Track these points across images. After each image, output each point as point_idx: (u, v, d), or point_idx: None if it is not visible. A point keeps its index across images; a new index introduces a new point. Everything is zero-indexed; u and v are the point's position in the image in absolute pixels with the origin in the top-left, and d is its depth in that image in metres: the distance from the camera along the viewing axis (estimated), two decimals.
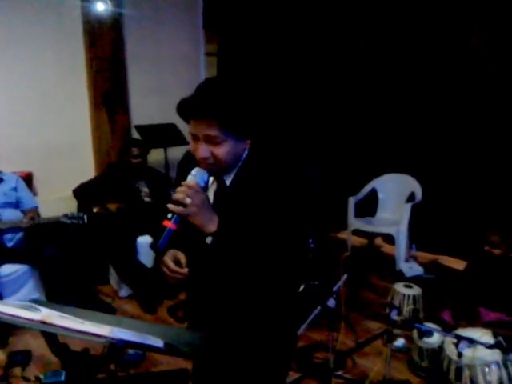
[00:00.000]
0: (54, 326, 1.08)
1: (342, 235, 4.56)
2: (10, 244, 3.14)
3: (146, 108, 4.41)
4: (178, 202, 1.23)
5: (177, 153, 4.21)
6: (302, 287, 2.63)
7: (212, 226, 1.27)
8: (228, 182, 1.38)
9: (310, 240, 2.80)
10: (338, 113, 4.62)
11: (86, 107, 4.17)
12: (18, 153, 3.65)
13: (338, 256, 2.96)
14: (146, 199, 3.66)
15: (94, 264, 3.64)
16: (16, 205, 3.24)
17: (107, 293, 3.64)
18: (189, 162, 1.40)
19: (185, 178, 1.33)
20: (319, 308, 2.39)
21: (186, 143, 4.14)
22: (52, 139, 4.01)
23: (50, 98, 3.97)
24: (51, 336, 1.20)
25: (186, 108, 1.30)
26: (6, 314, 1.14)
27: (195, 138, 1.30)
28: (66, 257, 3.17)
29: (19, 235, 3.18)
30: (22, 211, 3.25)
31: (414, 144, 4.17)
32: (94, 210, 3.42)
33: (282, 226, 1.33)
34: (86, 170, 4.15)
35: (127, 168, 3.62)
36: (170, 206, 1.23)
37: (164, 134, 4.12)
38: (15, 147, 3.50)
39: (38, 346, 2.86)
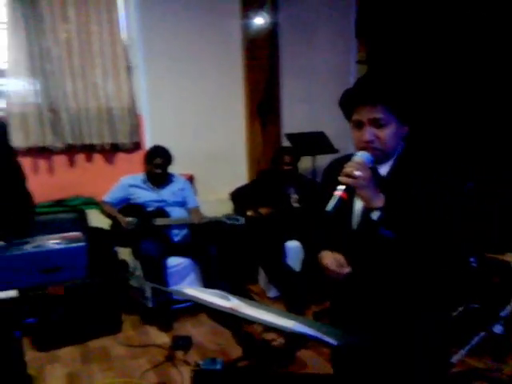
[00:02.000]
0: (243, 313, 1.19)
1: (508, 257, 4.14)
2: (176, 239, 3.51)
3: (296, 116, 4.55)
4: (348, 175, 1.35)
5: (324, 161, 4.27)
6: (460, 309, 2.49)
7: (379, 201, 1.36)
8: (383, 171, 1.48)
9: (472, 259, 2.63)
10: (499, 120, 4.23)
11: (241, 117, 4.46)
12: (183, 157, 3.95)
13: (505, 279, 2.71)
14: (295, 205, 3.77)
15: (245, 263, 3.87)
16: (182, 204, 3.60)
17: (256, 292, 3.84)
18: (334, 170, 1.50)
19: (329, 185, 1.45)
20: (483, 333, 2.23)
21: (334, 151, 4.18)
22: (211, 145, 4.36)
23: (211, 108, 4.33)
24: (237, 325, 1.32)
25: (352, 95, 1.45)
26: (202, 300, 1.30)
27: (359, 124, 1.44)
28: (223, 254, 3.44)
29: (184, 231, 3.53)
30: (187, 210, 3.61)
31: None
32: (248, 214, 3.63)
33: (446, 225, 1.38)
34: (239, 174, 4.44)
35: (279, 174, 3.77)
36: (340, 178, 1.36)
37: (313, 142, 4.22)
38: (181, 152, 3.81)
39: (198, 334, 3.14)
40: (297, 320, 1.16)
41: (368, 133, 1.41)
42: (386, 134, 1.42)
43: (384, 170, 1.49)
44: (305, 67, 4.61)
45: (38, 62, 3.63)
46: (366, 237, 1.46)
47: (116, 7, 3.90)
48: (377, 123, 1.41)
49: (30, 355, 2.81)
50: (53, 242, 1.05)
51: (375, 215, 1.36)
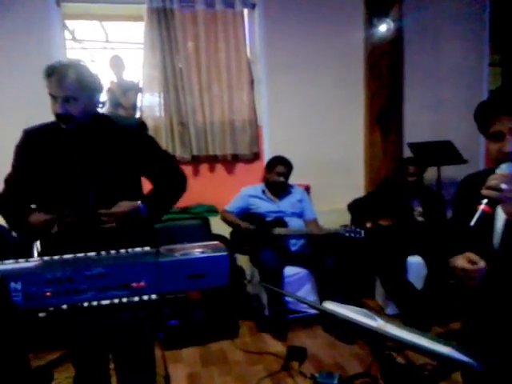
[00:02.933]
0: (393, 334, 1.14)
1: None
2: (293, 248, 3.52)
3: (420, 125, 4.34)
4: (492, 188, 1.28)
5: (450, 172, 4.01)
6: None
7: None
8: None
9: None
10: None
11: (360, 126, 4.37)
12: (300, 167, 3.89)
13: None
14: (419, 218, 3.58)
15: (362, 277, 3.75)
16: (300, 215, 3.61)
17: (372, 307, 3.70)
18: (473, 184, 1.44)
19: (466, 200, 1.41)
20: None
21: (463, 162, 3.89)
22: (328, 155, 4.33)
23: (329, 117, 4.31)
24: (378, 345, 1.28)
25: (491, 106, 1.40)
26: (343, 315, 1.27)
27: (499, 136, 1.36)
28: (340, 266, 3.37)
29: (302, 241, 3.53)
30: (304, 221, 3.61)
31: None
32: (367, 225, 3.52)
33: None
34: (356, 185, 4.34)
35: (401, 186, 3.61)
36: (484, 191, 1.29)
37: (438, 152, 3.97)
38: (298, 162, 3.78)
39: (313, 346, 3.10)
40: (447, 345, 1.08)
41: (511, 144, 1.33)
42: None
43: None
44: (431, 72, 4.39)
45: (170, 78, 3.93)
46: None
47: (242, 25, 4.09)
48: None
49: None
50: (198, 250, 1.11)
51: None
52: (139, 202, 1.81)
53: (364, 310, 1.28)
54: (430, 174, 3.97)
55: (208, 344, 3.21)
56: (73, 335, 1.64)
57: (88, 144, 1.79)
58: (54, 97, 1.69)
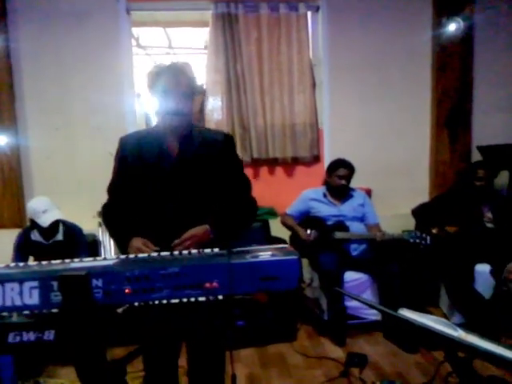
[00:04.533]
0: (471, 344, 1.10)
1: None
2: (354, 253, 3.45)
3: (491, 127, 4.13)
4: None
5: None
6: None
7: None
8: None
9: None
10: None
11: (427, 128, 4.22)
12: (362, 171, 3.78)
13: None
14: (489, 225, 3.40)
15: (426, 284, 3.62)
16: (361, 219, 3.54)
17: (437, 316, 3.56)
18: None
19: None
20: None
21: None
22: (391, 158, 4.21)
23: (393, 120, 4.19)
24: (454, 354, 1.23)
25: None
26: (420, 323, 1.24)
27: None
28: (403, 272, 3.27)
29: (363, 246, 3.46)
30: (366, 225, 3.54)
31: None
32: (433, 231, 3.40)
33: None
34: (420, 190, 4.21)
35: (470, 190, 3.45)
36: None
37: (510, 155, 3.77)
38: (360, 165, 3.69)
39: (373, 353, 3.03)
40: None
41: None
42: None
43: None
44: (503, 72, 4.16)
45: (232, 82, 3.98)
46: None
47: (306, 27, 4.08)
48: None
49: None
50: (269, 253, 1.12)
51: None
52: (208, 227, 1.75)
53: (442, 320, 1.24)
54: (501, 179, 3.77)
55: (266, 346, 3.21)
56: (147, 331, 1.70)
57: (181, 153, 1.79)
58: (167, 93, 1.70)
